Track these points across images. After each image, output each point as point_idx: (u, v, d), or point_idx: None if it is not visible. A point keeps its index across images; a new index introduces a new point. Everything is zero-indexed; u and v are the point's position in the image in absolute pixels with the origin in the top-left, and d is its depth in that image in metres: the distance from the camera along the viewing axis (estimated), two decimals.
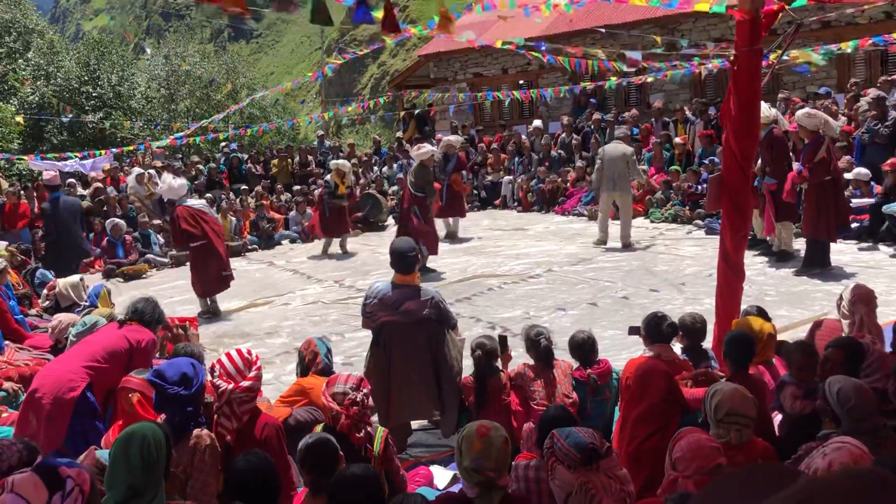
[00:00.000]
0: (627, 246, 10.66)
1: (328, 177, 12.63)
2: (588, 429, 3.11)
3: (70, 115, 21.82)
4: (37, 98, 26.82)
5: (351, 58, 11.64)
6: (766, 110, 9.02)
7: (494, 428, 2.95)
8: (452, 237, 12.49)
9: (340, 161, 12.97)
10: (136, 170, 15.46)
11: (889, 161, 9.49)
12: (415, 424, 5.20)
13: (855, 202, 9.76)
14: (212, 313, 8.95)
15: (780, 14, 4.99)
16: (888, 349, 4.47)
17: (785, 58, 6.46)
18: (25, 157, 18.27)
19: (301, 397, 4.50)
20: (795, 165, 8.78)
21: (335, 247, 12.33)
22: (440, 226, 11.81)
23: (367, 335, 5.16)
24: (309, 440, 3.25)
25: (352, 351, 7.10)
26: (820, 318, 5.46)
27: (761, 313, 4.82)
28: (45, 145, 26.00)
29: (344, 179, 12.30)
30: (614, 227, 10.99)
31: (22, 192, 13.62)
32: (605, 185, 10.82)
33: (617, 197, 10.88)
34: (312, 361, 4.70)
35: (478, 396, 4.67)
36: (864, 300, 4.74)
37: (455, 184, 12.20)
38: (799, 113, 8.78)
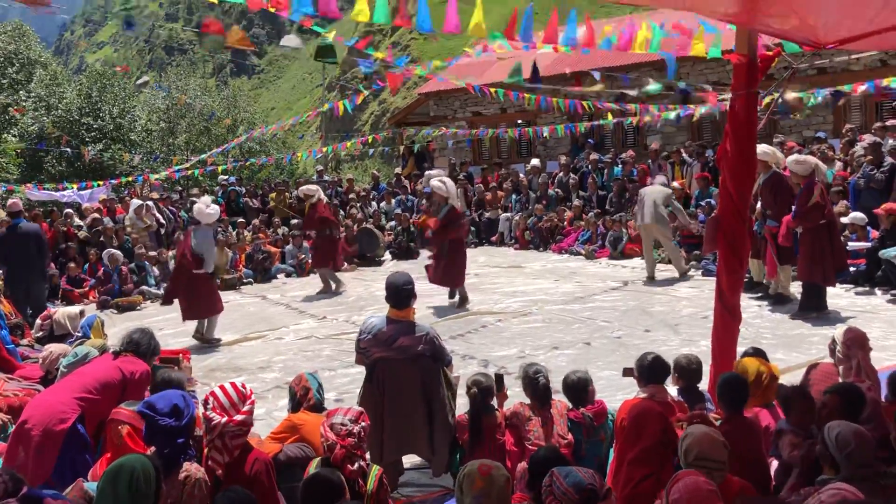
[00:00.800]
0: (684, 273, 11.03)
1: None
2: (589, 470, 3.09)
3: (66, 147, 21.92)
4: (36, 128, 26.96)
5: (352, 98, 11.76)
6: (778, 153, 9.11)
7: (497, 467, 2.97)
8: None
9: (304, 187, 13.05)
10: (135, 202, 15.48)
11: (883, 206, 9.52)
12: (406, 463, 5.14)
13: (851, 245, 9.79)
14: (202, 340, 9.06)
15: (777, 59, 5.06)
16: (884, 394, 4.44)
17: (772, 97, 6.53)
18: (23, 187, 18.31)
19: (292, 433, 4.44)
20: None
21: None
22: None
23: (360, 371, 5.11)
24: (314, 474, 3.21)
25: (344, 387, 7.03)
26: (815, 362, 5.43)
27: (759, 355, 4.79)
28: (43, 175, 26.09)
29: (306, 202, 12.46)
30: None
31: None
32: (644, 220, 10.99)
33: (655, 232, 11.03)
34: (304, 397, 4.65)
35: (472, 435, 4.61)
36: (858, 343, 4.71)
37: (422, 226, 11.09)
38: (789, 159, 8.84)
